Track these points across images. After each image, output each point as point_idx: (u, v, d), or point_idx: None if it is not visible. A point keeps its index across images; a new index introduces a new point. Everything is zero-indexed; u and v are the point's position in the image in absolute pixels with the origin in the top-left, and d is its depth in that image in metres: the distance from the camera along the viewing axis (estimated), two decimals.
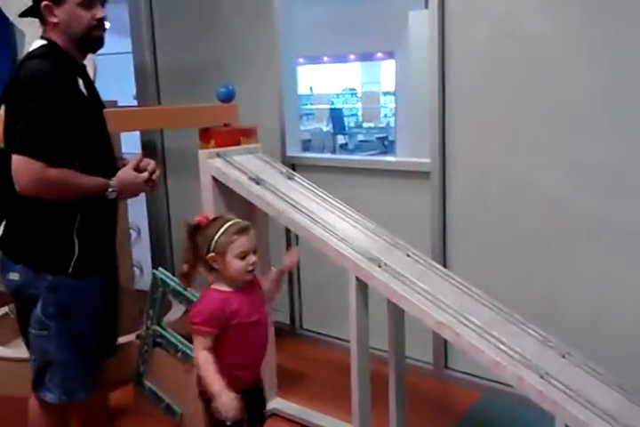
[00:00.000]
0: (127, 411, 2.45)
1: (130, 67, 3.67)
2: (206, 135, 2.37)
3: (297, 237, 2.98)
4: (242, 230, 1.64)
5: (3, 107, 1.73)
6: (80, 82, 1.76)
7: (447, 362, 2.75)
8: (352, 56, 11.49)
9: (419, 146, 3.22)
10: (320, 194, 2.19)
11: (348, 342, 2.01)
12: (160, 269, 2.37)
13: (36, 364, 1.82)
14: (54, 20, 1.72)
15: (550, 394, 1.51)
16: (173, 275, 2.36)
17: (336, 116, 11.18)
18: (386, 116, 11.31)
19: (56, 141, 1.64)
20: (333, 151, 9.97)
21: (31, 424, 1.89)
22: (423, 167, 2.63)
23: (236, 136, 2.37)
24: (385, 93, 11.68)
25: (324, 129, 11.03)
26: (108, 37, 1.80)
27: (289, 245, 3.12)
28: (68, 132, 1.67)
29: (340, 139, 10.72)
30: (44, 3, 1.70)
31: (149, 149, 3.61)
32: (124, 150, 3.03)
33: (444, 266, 2.36)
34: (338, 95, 12.77)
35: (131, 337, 2.52)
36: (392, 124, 9.96)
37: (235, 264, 1.63)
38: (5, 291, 1.82)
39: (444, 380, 2.74)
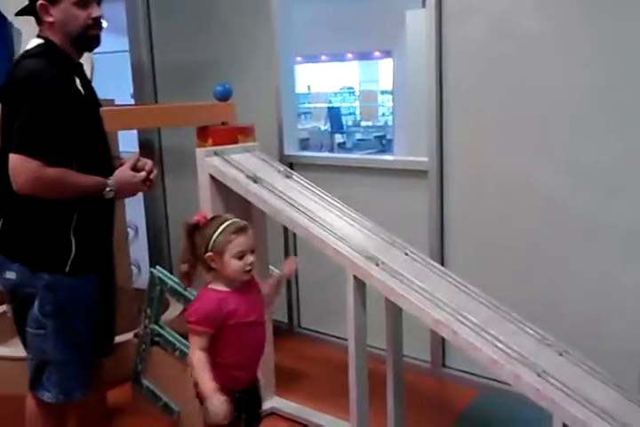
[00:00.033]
0: (125, 410, 2.45)
1: (127, 65, 3.66)
2: (204, 134, 2.36)
3: (295, 235, 2.99)
4: (240, 230, 1.64)
5: None
6: (77, 81, 1.76)
7: (445, 360, 2.75)
8: (350, 55, 11.48)
9: (416, 145, 3.22)
10: (318, 193, 2.19)
11: (345, 340, 2.01)
12: (158, 267, 2.37)
13: (33, 363, 1.81)
14: (50, 19, 1.71)
15: (548, 392, 1.51)
16: (171, 273, 2.36)
17: (334, 114, 11.19)
18: (384, 114, 11.32)
19: (53, 141, 1.64)
20: (331, 150, 9.98)
21: (28, 423, 1.88)
22: (421, 166, 2.63)
23: (233, 135, 2.37)
24: (383, 92, 11.67)
25: (322, 128, 11.03)
26: (105, 36, 1.80)
27: (287, 243, 3.12)
28: (65, 132, 1.66)
29: (338, 137, 10.74)
30: (39, 2, 1.69)
31: (147, 147, 3.61)
32: (121, 149, 3.02)
33: (442, 265, 2.36)
34: (335, 94, 12.77)
35: (128, 336, 2.52)
36: (390, 123, 9.97)
37: (232, 264, 1.63)
38: (2, 290, 1.81)
39: (442, 378, 2.74)
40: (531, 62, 2.30)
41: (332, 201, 2.16)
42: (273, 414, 2.44)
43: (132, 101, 3.74)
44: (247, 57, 3.13)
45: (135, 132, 3.62)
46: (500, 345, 1.62)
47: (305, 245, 2.07)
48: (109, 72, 3.84)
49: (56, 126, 1.64)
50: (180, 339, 2.23)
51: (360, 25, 8.07)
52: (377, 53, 10.86)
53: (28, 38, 1.83)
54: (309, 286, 3.16)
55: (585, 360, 1.68)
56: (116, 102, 3.06)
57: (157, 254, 3.75)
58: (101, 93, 1.94)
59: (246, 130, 2.42)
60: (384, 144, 10.10)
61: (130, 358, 2.44)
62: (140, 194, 2.02)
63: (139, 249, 3.68)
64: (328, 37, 8.47)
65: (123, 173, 1.81)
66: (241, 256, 1.63)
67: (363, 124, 11.35)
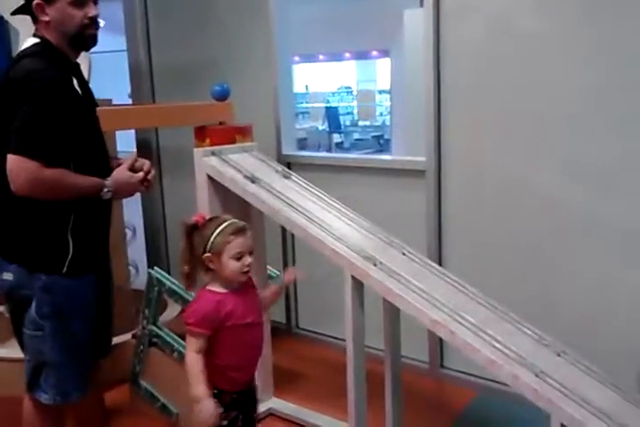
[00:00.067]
0: (123, 411, 2.45)
1: (124, 65, 3.66)
2: (201, 133, 2.36)
3: (293, 235, 2.98)
4: (238, 231, 1.64)
5: None
6: (74, 81, 1.75)
7: (443, 361, 2.75)
8: (347, 54, 11.49)
9: (414, 144, 3.22)
10: (316, 192, 2.19)
11: (343, 341, 2.01)
12: (155, 268, 2.37)
13: (30, 364, 1.81)
14: (46, 18, 1.70)
15: (545, 392, 1.51)
16: (169, 274, 2.36)
17: (332, 114, 11.19)
18: (381, 114, 11.33)
19: (51, 141, 1.63)
20: (329, 150, 9.99)
21: (26, 425, 1.88)
22: (418, 166, 2.63)
23: (231, 134, 2.36)
24: (380, 92, 11.69)
25: (320, 127, 11.04)
26: (102, 35, 1.79)
27: (285, 243, 3.12)
28: (63, 132, 1.66)
29: (336, 137, 10.75)
30: (35, 1, 1.69)
31: (144, 147, 3.61)
32: (118, 149, 3.02)
33: (440, 265, 2.36)
34: (333, 93, 12.78)
35: (126, 337, 2.52)
36: (387, 123, 9.98)
37: (230, 265, 1.62)
38: None
39: (440, 379, 2.74)
40: (529, 62, 2.30)
41: (329, 201, 2.16)
42: (271, 414, 2.44)
43: (130, 101, 3.73)
44: (245, 56, 3.13)
45: (133, 131, 3.62)
46: (497, 345, 1.62)
47: (303, 246, 2.06)
48: (107, 72, 3.83)
49: (54, 127, 1.63)
50: (179, 340, 2.22)
51: (358, 24, 8.08)
52: (375, 53, 10.87)
53: (25, 37, 1.82)
54: (307, 287, 3.15)
55: (583, 360, 1.67)
56: (114, 102, 3.06)
57: (155, 255, 3.74)
58: (99, 93, 1.94)
59: (244, 130, 2.42)
60: (382, 144, 10.11)
61: (128, 359, 2.44)
62: (138, 194, 2.01)
63: (136, 250, 3.67)
64: (326, 37, 8.48)
65: (120, 174, 1.81)
66: (239, 257, 1.63)
67: (360, 123, 11.37)
